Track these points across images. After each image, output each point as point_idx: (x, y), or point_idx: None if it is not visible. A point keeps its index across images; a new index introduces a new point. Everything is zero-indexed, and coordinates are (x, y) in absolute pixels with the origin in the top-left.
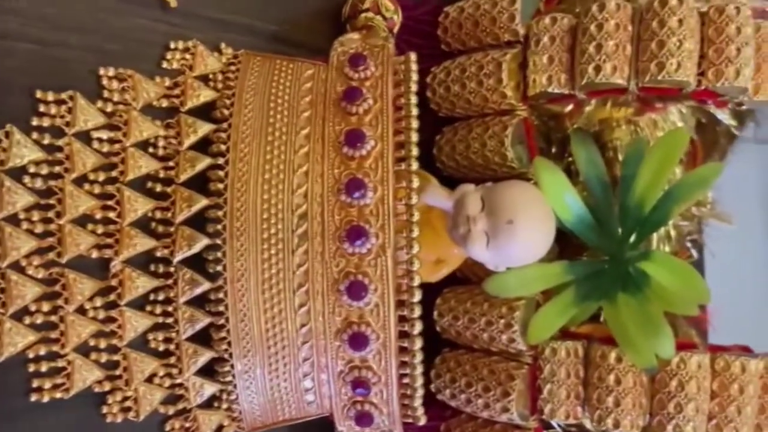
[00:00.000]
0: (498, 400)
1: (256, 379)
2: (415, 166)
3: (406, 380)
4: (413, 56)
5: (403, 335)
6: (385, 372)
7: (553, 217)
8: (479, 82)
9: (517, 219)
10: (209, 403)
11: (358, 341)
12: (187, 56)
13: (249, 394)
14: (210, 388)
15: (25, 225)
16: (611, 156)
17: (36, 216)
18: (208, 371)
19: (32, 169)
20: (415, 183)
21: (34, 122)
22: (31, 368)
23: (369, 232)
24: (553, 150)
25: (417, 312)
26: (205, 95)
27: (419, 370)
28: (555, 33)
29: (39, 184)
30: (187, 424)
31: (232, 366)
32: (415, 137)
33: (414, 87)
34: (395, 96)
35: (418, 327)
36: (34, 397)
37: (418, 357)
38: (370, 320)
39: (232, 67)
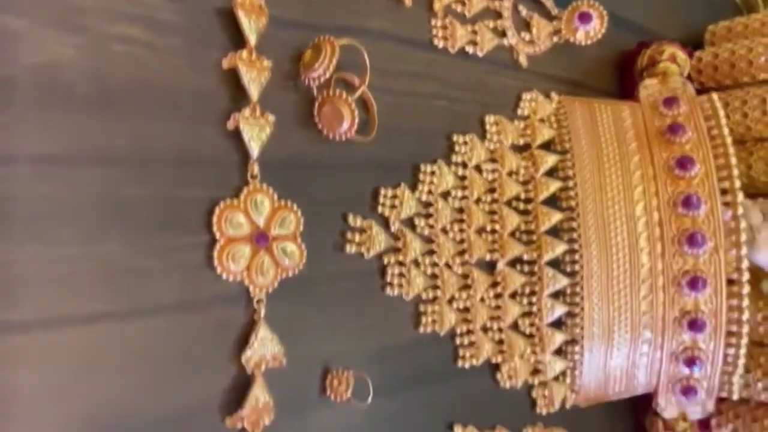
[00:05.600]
0: None
1: (599, 358)
2: (738, 183)
3: (729, 359)
4: (715, 95)
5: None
6: (713, 352)
7: None
8: (744, 114)
9: None
10: (557, 378)
11: (696, 326)
12: (532, 103)
13: (590, 371)
14: (561, 365)
15: (450, 235)
16: None
17: (456, 227)
18: (559, 351)
19: (452, 193)
20: (740, 197)
21: (452, 158)
22: (457, 341)
23: (705, 237)
24: None
25: (745, 302)
26: (548, 133)
27: (743, 350)
28: None
29: (456, 204)
30: (546, 393)
31: (580, 347)
32: (734, 160)
33: (723, 120)
34: (707, 128)
35: (746, 314)
36: (459, 363)
37: (744, 339)
38: (704, 309)
39: (561, 110)
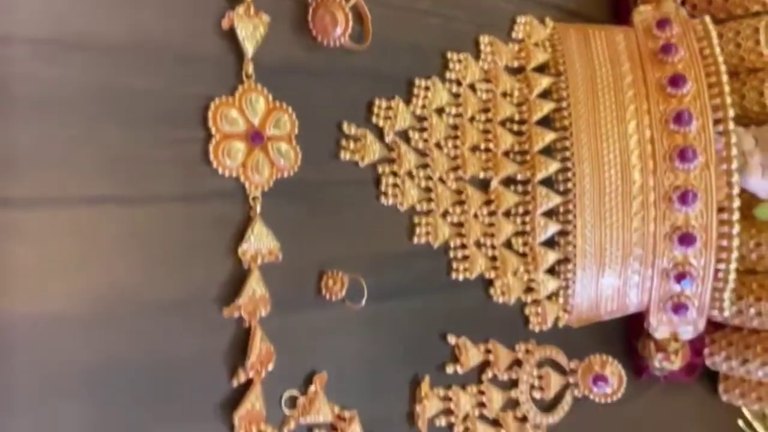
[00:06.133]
0: None
1: (592, 277)
2: (728, 100)
3: (720, 275)
4: (707, 18)
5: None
6: (704, 268)
7: None
8: (737, 44)
9: None
10: (550, 297)
11: (686, 240)
12: (527, 27)
13: (582, 290)
14: (553, 284)
15: (444, 150)
16: None
17: (450, 144)
18: (552, 270)
19: (446, 110)
20: (731, 113)
21: (446, 75)
22: (451, 254)
23: (696, 152)
24: None
25: (735, 215)
26: (542, 57)
27: (733, 265)
28: None
29: (450, 120)
30: (539, 311)
31: (573, 265)
32: (725, 78)
33: (716, 41)
34: (699, 48)
35: (737, 228)
36: (453, 276)
37: (734, 254)
38: (695, 224)
39: (555, 35)
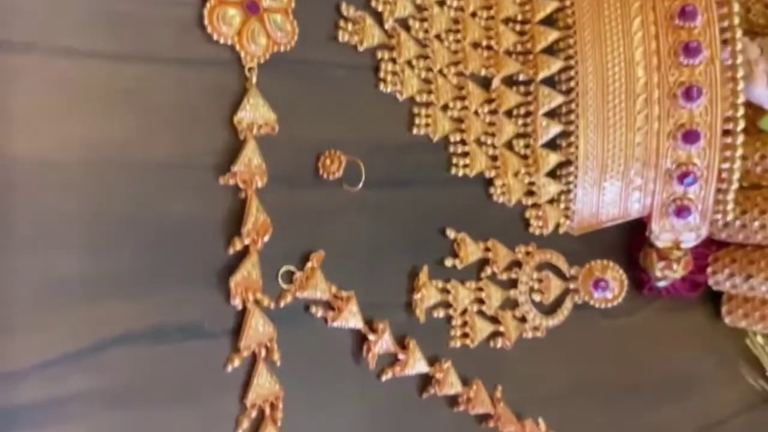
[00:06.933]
0: None
1: (594, 180)
2: (736, 8)
3: (723, 175)
4: None
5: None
6: (708, 168)
7: None
8: None
9: None
10: (551, 201)
11: (690, 137)
12: None
13: (584, 194)
14: (554, 188)
15: (445, 43)
16: None
17: (452, 37)
18: (553, 174)
19: (447, 2)
20: (735, 7)
21: None
22: (451, 149)
23: (701, 46)
24: None
25: (740, 111)
26: None
27: (737, 165)
28: None
29: (452, 13)
30: (540, 214)
31: (575, 168)
32: None
33: None
34: None
35: (741, 124)
36: (452, 171)
37: (738, 152)
38: (699, 121)
39: None
